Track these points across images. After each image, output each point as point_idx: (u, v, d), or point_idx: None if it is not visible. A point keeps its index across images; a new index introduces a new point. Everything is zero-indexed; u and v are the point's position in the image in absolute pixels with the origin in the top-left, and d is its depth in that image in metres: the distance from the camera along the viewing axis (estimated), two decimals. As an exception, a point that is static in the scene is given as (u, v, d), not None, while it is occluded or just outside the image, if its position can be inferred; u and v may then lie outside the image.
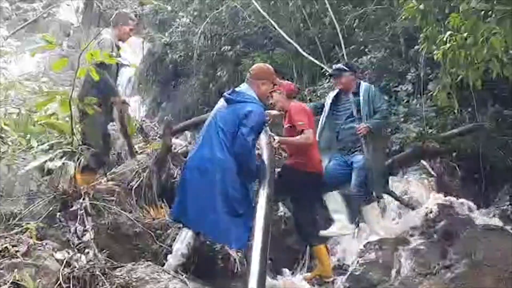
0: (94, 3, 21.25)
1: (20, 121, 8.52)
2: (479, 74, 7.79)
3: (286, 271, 9.09)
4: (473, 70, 7.72)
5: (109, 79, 7.99)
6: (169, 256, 6.42)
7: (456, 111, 9.62)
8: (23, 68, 15.18)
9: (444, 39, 7.73)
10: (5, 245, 5.86)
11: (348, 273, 8.44)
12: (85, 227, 6.69)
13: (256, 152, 6.91)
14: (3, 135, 9.17)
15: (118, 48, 8.36)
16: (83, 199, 6.94)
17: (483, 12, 7.31)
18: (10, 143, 8.48)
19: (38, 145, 8.47)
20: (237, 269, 7.13)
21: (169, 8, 17.85)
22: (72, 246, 6.41)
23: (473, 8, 7.28)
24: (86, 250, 6.43)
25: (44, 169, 7.92)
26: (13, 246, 5.85)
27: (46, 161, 7.58)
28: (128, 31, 8.51)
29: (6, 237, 6.05)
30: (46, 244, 6.22)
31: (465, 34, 7.38)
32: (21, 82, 8.29)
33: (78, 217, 6.82)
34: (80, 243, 6.49)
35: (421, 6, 8.41)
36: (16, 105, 8.40)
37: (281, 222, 9.63)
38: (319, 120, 8.78)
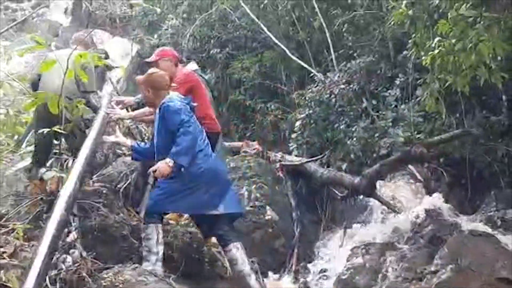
0: (83, 3, 21.21)
1: (8, 122, 8.47)
2: (467, 80, 7.82)
3: (272, 274, 9.10)
4: (461, 76, 7.76)
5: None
6: (154, 258, 6.32)
7: (444, 116, 9.64)
8: (11, 68, 15.08)
9: (433, 45, 7.77)
10: (-9, 247, 5.84)
11: (335, 277, 8.46)
12: (69, 228, 6.65)
13: None
14: (-10, 136, 9.16)
15: None
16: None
17: (471, 18, 7.35)
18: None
19: (26, 146, 8.45)
20: (226, 271, 7.12)
21: (159, 10, 17.79)
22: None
23: (462, 14, 7.32)
24: (72, 250, 6.40)
25: (31, 170, 7.91)
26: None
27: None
28: None
29: (-7, 238, 6.03)
30: (33, 245, 6.20)
31: (453, 40, 7.43)
32: (9, 83, 8.24)
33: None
34: (63, 244, 6.44)
35: (410, 12, 8.45)
36: (4, 105, 8.35)
37: (267, 225, 9.65)
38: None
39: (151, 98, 6.49)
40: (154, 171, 6.07)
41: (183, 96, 6.57)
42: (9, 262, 5.61)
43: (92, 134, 7.09)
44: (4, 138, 8.94)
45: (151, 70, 6.77)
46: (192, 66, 8.14)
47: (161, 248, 6.30)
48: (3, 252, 5.77)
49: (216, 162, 6.60)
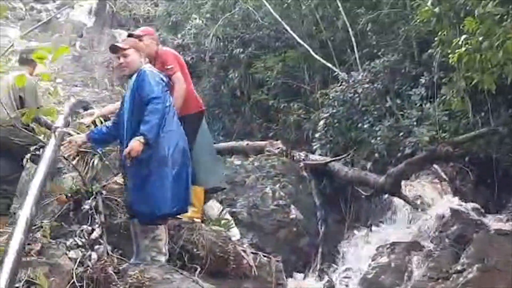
0: (107, 4, 21.32)
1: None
2: (494, 78, 7.78)
3: (296, 273, 9.09)
4: (488, 74, 7.71)
5: None
6: (162, 258, 6.30)
7: (469, 115, 9.57)
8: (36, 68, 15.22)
9: (459, 42, 7.71)
10: (19, 243, 5.87)
11: (360, 276, 8.44)
12: (93, 225, 6.69)
13: None
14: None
15: None
16: (95, 198, 6.94)
17: (498, 16, 7.30)
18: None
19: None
20: (251, 269, 7.12)
21: (182, 10, 17.85)
22: (80, 245, 6.40)
23: (489, 12, 7.26)
24: (97, 247, 6.44)
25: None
26: (27, 244, 5.86)
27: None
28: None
29: (20, 236, 6.06)
30: (59, 243, 6.25)
31: (480, 38, 7.38)
32: (36, 82, 8.28)
33: (89, 217, 6.83)
34: (88, 241, 6.49)
35: (436, 10, 8.41)
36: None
37: (292, 224, 9.64)
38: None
39: (132, 64, 6.34)
40: (129, 153, 5.97)
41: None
42: (37, 259, 5.63)
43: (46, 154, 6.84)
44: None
45: None
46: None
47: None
48: (31, 250, 5.81)
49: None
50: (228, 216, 8.41)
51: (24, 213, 5.48)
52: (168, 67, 7.08)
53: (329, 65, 13.35)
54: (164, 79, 6.33)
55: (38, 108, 7.43)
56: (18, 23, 20.31)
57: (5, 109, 7.04)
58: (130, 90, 6.27)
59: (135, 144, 5.88)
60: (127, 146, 6.00)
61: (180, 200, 6.24)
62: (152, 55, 7.15)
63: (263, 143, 12.14)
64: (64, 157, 7.45)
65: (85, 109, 9.06)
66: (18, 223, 5.31)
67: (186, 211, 6.61)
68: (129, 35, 7.38)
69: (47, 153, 6.72)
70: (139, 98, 6.11)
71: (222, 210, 8.24)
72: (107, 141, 6.86)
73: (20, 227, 5.24)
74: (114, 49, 6.49)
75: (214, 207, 8.17)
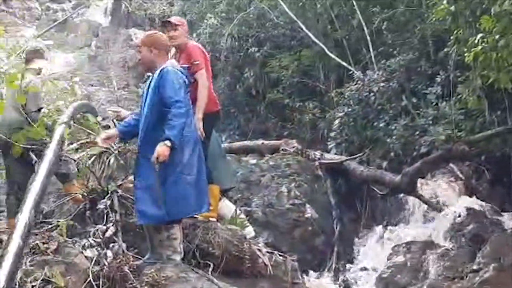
0: (122, 4, 21.39)
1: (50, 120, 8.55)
2: (510, 77, 7.72)
3: (312, 272, 9.09)
4: (505, 73, 7.66)
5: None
6: (178, 257, 6.30)
7: (485, 114, 9.53)
8: (53, 67, 15.32)
9: (476, 41, 7.67)
10: (35, 242, 5.90)
11: (376, 275, 8.42)
12: (108, 224, 6.72)
13: None
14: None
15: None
16: (110, 197, 6.97)
17: (515, 14, 7.25)
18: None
19: (67, 144, 8.51)
20: (267, 269, 7.12)
21: (197, 9, 17.88)
22: (96, 244, 6.43)
23: (505, 10, 7.21)
24: (111, 245, 6.46)
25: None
26: (43, 243, 5.89)
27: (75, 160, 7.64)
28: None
29: (37, 234, 6.09)
30: (75, 241, 6.28)
31: (496, 36, 7.33)
32: (52, 81, 8.32)
33: (104, 215, 6.85)
34: (103, 240, 6.52)
35: (452, 8, 8.37)
36: (46, 104, 8.43)
37: (307, 223, 9.63)
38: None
39: (151, 60, 6.27)
40: (157, 158, 5.93)
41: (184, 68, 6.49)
42: (53, 258, 5.65)
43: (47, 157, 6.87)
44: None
45: (151, 31, 6.72)
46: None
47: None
48: (47, 248, 5.83)
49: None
50: (242, 215, 8.37)
51: (23, 217, 5.28)
52: (195, 62, 7.04)
53: (344, 64, 13.35)
54: (186, 80, 6.30)
55: (39, 110, 7.49)
56: (34, 23, 20.43)
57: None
58: (152, 85, 6.19)
59: (163, 149, 5.81)
60: (141, 140, 6.05)
61: (194, 205, 6.24)
62: (181, 47, 7.15)
63: (278, 142, 12.15)
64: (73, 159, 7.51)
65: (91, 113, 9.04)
66: (17, 227, 5.15)
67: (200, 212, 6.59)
68: (163, 23, 7.39)
69: (48, 156, 6.52)
70: (159, 97, 6.09)
71: (237, 209, 8.21)
72: (133, 134, 6.78)
73: (19, 231, 5.05)
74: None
75: (228, 206, 8.16)
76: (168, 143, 5.81)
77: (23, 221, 5.24)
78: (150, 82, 6.25)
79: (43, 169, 6.25)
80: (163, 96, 6.02)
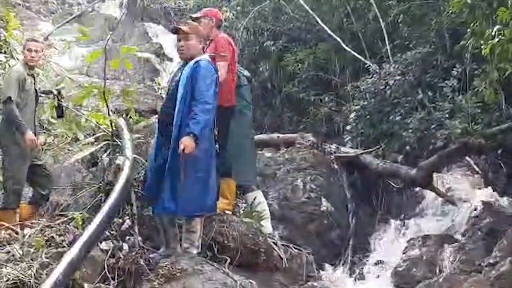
0: (138, -3, 21.42)
1: (67, 115, 8.60)
2: (528, 70, 7.69)
3: (328, 266, 9.08)
4: (522, 66, 7.62)
5: (13, 111, 7.28)
6: (194, 251, 6.31)
7: (502, 107, 9.47)
8: (69, 63, 15.39)
9: (492, 33, 7.63)
10: (51, 235, 5.94)
11: (392, 269, 8.41)
12: (124, 217, 6.74)
13: None
14: (50, 128, 9.32)
15: (33, 76, 7.74)
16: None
17: (532, 6, 7.21)
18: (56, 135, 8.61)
19: (83, 138, 8.57)
20: (282, 262, 7.14)
21: (213, 3, 17.87)
22: (111, 236, 6.46)
23: (522, 2, 7.18)
24: (127, 237, 6.49)
25: (90, 161, 8.02)
26: (59, 235, 5.93)
27: (91, 152, 7.67)
28: (29, 57, 7.64)
29: (52, 227, 6.14)
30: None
31: (513, 29, 7.29)
32: (70, 77, 8.36)
33: (120, 208, 6.87)
34: (119, 233, 6.54)
35: (469, 0, 8.33)
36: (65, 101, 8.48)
37: (323, 217, 9.63)
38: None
39: (192, 49, 6.31)
40: (183, 150, 5.94)
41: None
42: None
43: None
44: (63, 130, 9.09)
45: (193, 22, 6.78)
46: None
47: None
48: (63, 241, 5.87)
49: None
50: (263, 207, 8.19)
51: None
52: (223, 54, 7.09)
53: (360, 57, 13.29)
54: (215, 75, 6.31)
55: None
56: (50, 17, 20.47)
57: None
58: (185, 77, 6.18)
59: (189, 141, 5.86)
60: (178, 131, 6.03)
61: (205, 203, 6.26)
62: (208, 37, 7.15)
63: (294, 135, 12.13)
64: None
65: None
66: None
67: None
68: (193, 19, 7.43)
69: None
70: (191, 89, 6.10)
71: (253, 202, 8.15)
72: None
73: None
74: (176, 30, 6.49)
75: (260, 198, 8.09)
76: (193, 136, 5.87)
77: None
78: (181, 74, 6.27)
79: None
80: (193, 89, 6.05)
